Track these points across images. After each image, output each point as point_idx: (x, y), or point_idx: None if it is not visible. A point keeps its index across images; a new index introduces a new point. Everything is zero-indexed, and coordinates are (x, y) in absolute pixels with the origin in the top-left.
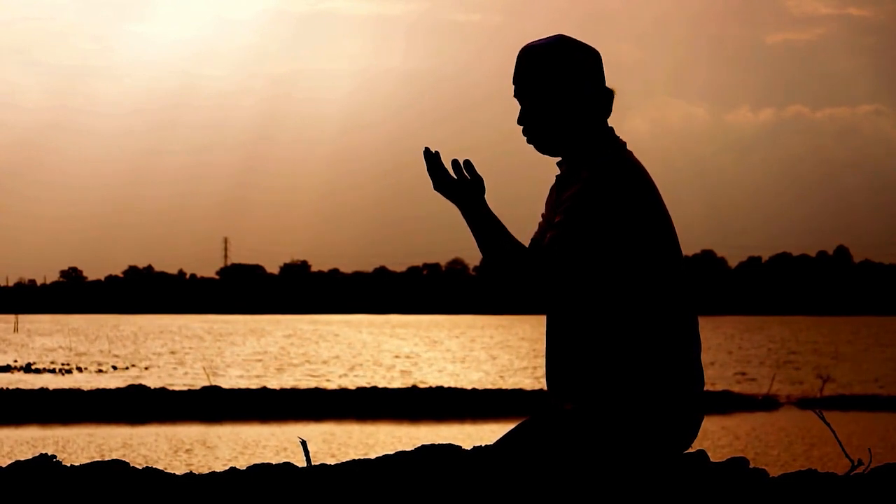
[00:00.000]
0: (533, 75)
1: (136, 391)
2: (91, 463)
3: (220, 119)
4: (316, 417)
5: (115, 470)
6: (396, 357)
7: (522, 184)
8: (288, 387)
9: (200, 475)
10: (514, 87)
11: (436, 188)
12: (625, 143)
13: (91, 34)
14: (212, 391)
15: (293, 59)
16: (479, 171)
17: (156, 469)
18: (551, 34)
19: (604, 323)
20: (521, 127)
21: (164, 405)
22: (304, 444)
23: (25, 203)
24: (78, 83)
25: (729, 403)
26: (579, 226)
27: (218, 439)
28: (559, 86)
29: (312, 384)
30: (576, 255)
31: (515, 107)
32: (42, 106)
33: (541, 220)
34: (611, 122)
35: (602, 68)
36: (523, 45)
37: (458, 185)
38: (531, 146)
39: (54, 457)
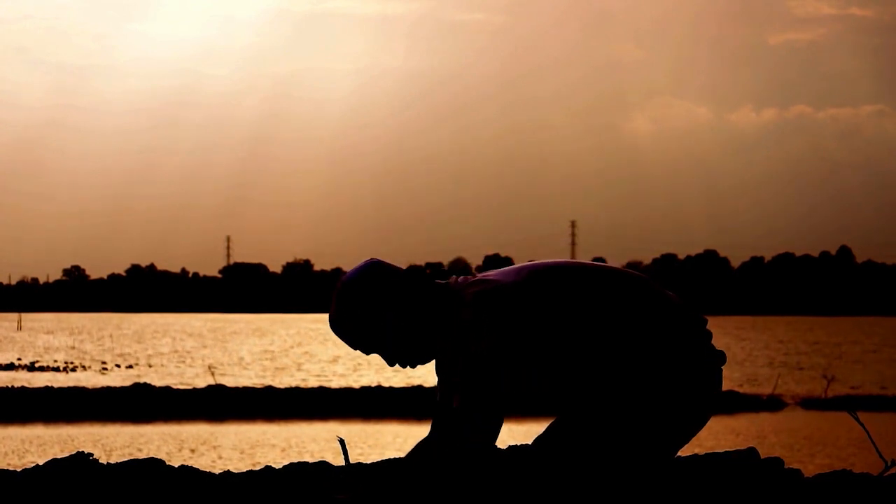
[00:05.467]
0: (363, 334)
1: (140, 390)
2: (128, 461)
3: (222, 118)
4: (320, 417)
5: (151, 468)
6: None
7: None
8: (292, 386)
9: (237, 473)
10: (359, 350)
11: None
12: (455, 280)
13: (93, 33)
14: (216, 390)
15: (295, 58)
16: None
17: (192, 467)
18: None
19: (574, 373)
20: (397, 365)
21: (168, 404)
22: (342, 442)
23: (28, 201)
24: (80, 82)
25: (734, 404)
26: (477, 370)
27: (223, 438)
28: (387, 325)
29: (316, 383)
30: (494, 394)
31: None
32: (45, 105)
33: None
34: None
35: (390, 268)
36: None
37: None
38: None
39: (91, 454)
